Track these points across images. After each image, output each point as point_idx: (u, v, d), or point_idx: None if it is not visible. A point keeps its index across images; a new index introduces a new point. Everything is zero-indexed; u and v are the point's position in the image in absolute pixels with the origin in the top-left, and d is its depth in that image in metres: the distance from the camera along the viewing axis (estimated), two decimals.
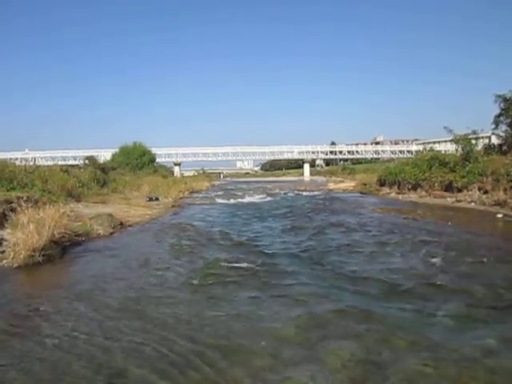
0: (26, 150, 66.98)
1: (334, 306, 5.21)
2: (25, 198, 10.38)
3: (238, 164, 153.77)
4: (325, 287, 6.00)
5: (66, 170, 22.04)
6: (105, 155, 51.19)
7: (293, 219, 14.03)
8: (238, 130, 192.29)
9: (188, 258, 7.94)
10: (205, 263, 7.43)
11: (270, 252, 8.17)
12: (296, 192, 31.45)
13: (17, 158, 39.28)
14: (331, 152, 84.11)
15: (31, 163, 22.48)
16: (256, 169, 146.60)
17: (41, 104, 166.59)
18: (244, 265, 7.20)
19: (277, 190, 34.45)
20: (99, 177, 23.88)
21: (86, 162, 30.00)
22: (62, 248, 8.54)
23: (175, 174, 63.04)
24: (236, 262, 7.40)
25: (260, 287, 6.06)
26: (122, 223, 12.31)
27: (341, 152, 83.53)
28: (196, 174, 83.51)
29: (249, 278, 6.49)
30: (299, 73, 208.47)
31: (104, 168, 27.93)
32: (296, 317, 4.88)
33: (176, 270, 7.08)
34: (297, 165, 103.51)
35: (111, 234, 11.08)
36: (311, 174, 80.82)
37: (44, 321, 4.95)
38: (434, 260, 7.48)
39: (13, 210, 9.05)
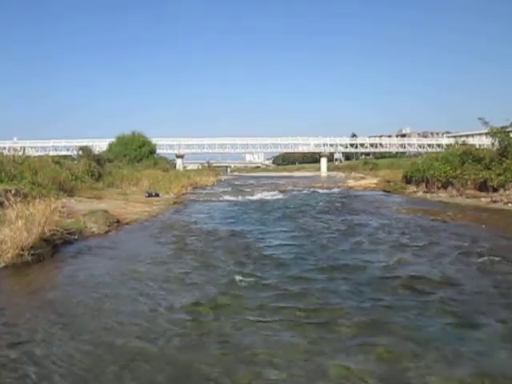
0: (15, 139, 67.84)
1: (369, 319, 5.11)
2: (13, 192, 10.52)
3: (248, 157, 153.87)
4: (351, 298, 5.95)
5: (58, 161, 22.30)
6: (100, 145, 51.61)
7: (307, 220, 14.00)
8: (249, 124, 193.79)
9: (192, 266, 7.73)
10: (212, 277, 6.92)
11: (284, 262, 7.89)
12: (311, 189, 31.36)
13: (4, 148, 39.87)
14: (351, 145, 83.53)
15: (20, 153, 22.78)
16: (267, 162, 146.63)
17: (35, 94, 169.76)
18: (262, 282, 6.64)
19: (290, 187, 34.39)
20: (94, 169, 24.07)
21: (80, 152, 30.28)
22: (53, 247, 8.62)
23: (177, 167, 63.36)
24: (251, 277, 6.86)
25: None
26: (118, 221, 12.40)
27: (362, 145, 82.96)
28: (200, 167, 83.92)
29: (276, 311, 5.42)
30: (315, 60, 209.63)
31: (99, 160, 28.15)
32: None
33: (178, 284, 6.62)
34: (313, 159, 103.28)
35: (106, 232, 11.14)
36: (329, 169, 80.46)
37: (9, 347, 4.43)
38: (466, 268, 7.38)
39: (0, 204, 9.15)
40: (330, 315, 5.21)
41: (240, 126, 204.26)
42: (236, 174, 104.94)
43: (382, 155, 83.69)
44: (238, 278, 6.83)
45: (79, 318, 5.27)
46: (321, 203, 19.77)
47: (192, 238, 10.54)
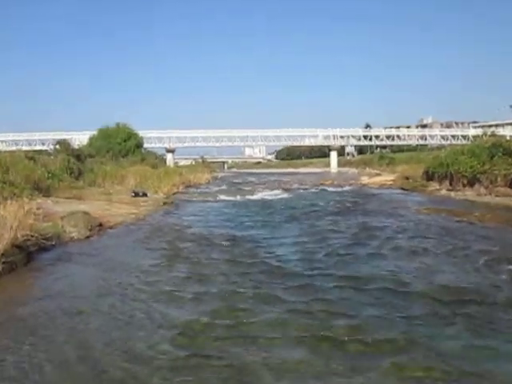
0: None
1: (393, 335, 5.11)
2: None
3: (247, 151, 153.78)
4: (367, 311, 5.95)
5: (32, 157, 22.32)
6: (80, 139, 51.69)
7: (316, 223, 14.00)
8: (248, 117, 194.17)
9: (185, 277, 7.63)
10: (209, 291, 6.83)
11: (292, 273, 7.82)
12: (320, 187, 31.36)
13: None
14: (365, 137, 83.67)
15: None
16: (269, 157, 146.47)
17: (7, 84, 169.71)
18: (268, 296, 6.50)
19: (295, 185, 34.35)
20: (73, 166, 24.10)
21: (57, 147, 30.34)
22: (27, 254, 8.61)
23: (168, 164, 63.41)
24: (254, 290, 6.66)
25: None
26: (101, 224, 12.39)
27: (377, 137, 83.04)
28: (194, 163, 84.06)
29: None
30: (321, 46, 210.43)
31: (79, 155, 28.21)
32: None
33: (169, 299, 6.48)
34: (321, 153, 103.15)
35: (88, 237, 11.14)
36: (339, 164, 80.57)
37: None
38: (496, 277, 7.36)
39: None
40: (348, 332, 5.20)
41: (238, 118, 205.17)
42: (234, 170, 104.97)
43: (400, 148, 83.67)
44: (239, 290, 6.75)
45: (52, 338, 5.15)
46: (331, 203, 19.75)
47: (185, 244, 10.53)
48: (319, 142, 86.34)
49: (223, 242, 10.63)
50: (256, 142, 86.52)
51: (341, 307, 6.03)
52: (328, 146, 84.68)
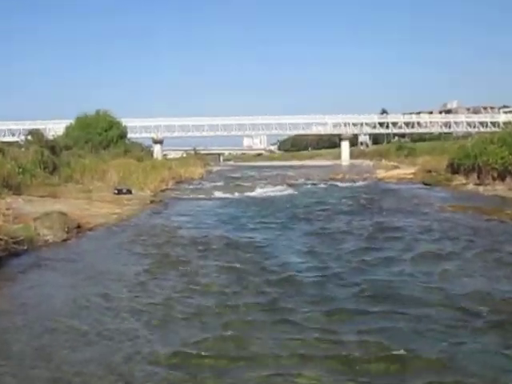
0: None
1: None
2: None
3: (246, 142, 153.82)
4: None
5: (1, 149, 22.20)
6: (55, 129, 51.51)
7: (326, 223, 13.99)
8: (248, 103, 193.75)
9: (176, 289, 7.45)
10: (206, 307, 6.62)
11: (303, 285, 7.61)
12: (329, 182, 31.33)
13: None
14: (381, 124, 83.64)
15: None
16: (271, 148, 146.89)
17: None
18: (278, 315, 6.25)
19: (301, 180, 34.34)
20: (47, 159, 23.98)
21: (29, 138, 30.19)
22: None
23: (155, 156, 63.44)
24: (260, 308, 6.55)
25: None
26: (79, 225, 12.37)
27: (395, 124, 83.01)
28: (185, 155, 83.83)
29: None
30: (331, 21, 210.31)
31: (54, 147, 28.06)
32: None
33: (158, 317, 6.27)
34: (331, 143, 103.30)
35: (65, 240, 11.12)
36: (352, 155, 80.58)
37: None
38: None
39: None
40: (372, 348, 5.17)
41: (236, 104, 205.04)
42: (231, 163, 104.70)
43: (421, 137, 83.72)
44: (242, 308, 6.49)
45: (18, 363, 4.97)
46: (342, 201, 19.72)
47: (175, 249, 10.49)
48: (328, 130, 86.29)
49: (219, 247, 10.57)
50: (256, 131, 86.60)
51: (361, 322, 5.96)
52: (338, 135, 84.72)
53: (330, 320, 6.12)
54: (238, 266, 8.86)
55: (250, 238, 11.80)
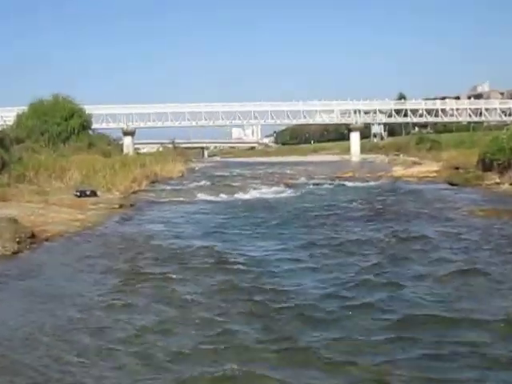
0: None
1: None
2: None
3: (235, 133, 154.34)
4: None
5: None
6: (4, 117, 51.34)
7: (332, 231, 14.01)
8: (236, 87, 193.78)
9: (152, 316, 7.34)
10: (192, 341, 6.45)
11: (313, 311, 7.47)
12: (336, 182, 31.40)
13: None
14: (398, 112, 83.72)
15: None
16: (267, 141, 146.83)
17: None
18: (289, 355, 6.09)
19: (302, 179, 34.41)
20: None
21: None
22: None
23: (126, 151, 63.23)
24: (266, 345, 6.32)
25: None
26: (33, 235, 12.30)
27: (415, 112, 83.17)
28: (161, 149, 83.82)
29: None
30: None
31: (3, 139, 27.91)
32: None
33: (132, 356, 6.09)
34: (338, 135, 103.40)
35: (15, 253, 11.06)
36: (363, 149, 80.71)
37: None
38: None
39: None
40: None
41: (224, 89, 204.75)
42: (217, 159, 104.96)
43: (447, 128, 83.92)
44: (235, 352, 6.15)
45: None
46: (353, 205, 19.75)
47: (149, 264, 10.44)
48: (335, 119, 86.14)
49: (203, 264, 10.46)
50: (247, 120, 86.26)
51: (390, 361, 5.83)
52: (347, 125, 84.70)
53: (339, 350, 6.08)
54: (227, 288, 8.72)
55: (241, 251, 11.76)
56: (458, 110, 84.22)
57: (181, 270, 10.05)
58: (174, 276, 9.55)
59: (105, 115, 74.23)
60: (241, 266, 10.24)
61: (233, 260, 10.80)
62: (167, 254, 11.30)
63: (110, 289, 8.77)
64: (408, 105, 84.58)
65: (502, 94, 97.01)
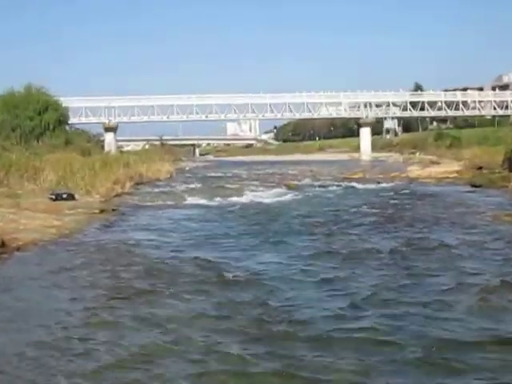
0: None
1: None
2: None
3: (231, 129, 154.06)
4: None
5: None
6: None
7: (340, 240, 14.01)
8: (233, 74, 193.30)
9: (142, 342, 7.09)
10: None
11: (326, 340, 7.09)
12: (344, 183, 31.42)
13: None
14: (414, 105, 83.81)
15: None
16: (266, 138, 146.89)
17: None
18: None
19: (307, 180, 34.53)
20: None
21: None
22: None
23: (107, 149, 63.11)
24: None
25: None
26: (3, 243, 12.33)
27: (433, 105, 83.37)
28: (148, 147, 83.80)
29: None
30: None
31: None
32: None
33: None
34: (346, 131, 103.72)
35: None
36: (375, 147, 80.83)
37: None
38: None
39: None
40: None
41: (217, 79, 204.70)
42: (211, 158, 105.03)
43: (468, 122, 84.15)
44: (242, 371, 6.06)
45: None
46: (363, 209, 19.82)
47: (133, 278, 10.36)
48: (343, 112, 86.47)
49: (194, 278, 10.36)
50: (244, 114, 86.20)
51: None
52: (356, 120, 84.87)
53: None
54: (221, 307, 8.57)
55: (238, 263, 11.66)
56: (481, 102, 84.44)
57: (169, 285, 9.91)
58: (162, 293, 9.44)
59: (84, 108, 74.42)
60: (238, 282, 10.10)
61: (228, 274, 10.60)
62: (153, 267, 11.22)
63: (87, 307, 8.68)
64: (425, 97, 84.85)
65: None
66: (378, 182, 31.75)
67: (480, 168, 31.16)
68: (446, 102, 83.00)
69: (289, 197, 25.15)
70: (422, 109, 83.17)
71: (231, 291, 9.50)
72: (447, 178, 32.37)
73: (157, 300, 9.01)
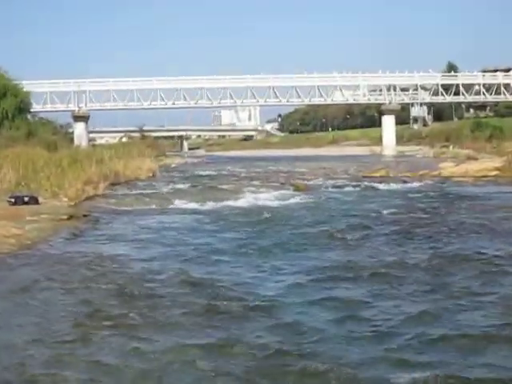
0: None
1: None
2: None
3: (226, 117, 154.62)
4: None
5: None
6: None
7: (359, 252, 14.05)
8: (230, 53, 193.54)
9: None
10: None
11: None
12: (364, 183, 31.61)
13: None
14: (446, 89, 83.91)
15: None
16: (268, 128, 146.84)
17: None
18: None
19: (318, 180, 34.72)
20: None
21: None
22: None
23: (77, 142, 63.37)
24: None
25: None
26: None
27: (469, 88, 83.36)
28: (125, 139, 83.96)
29: None
30: None
31: None
32: None
33: None
34: (365, 119, 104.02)
35: None
36: (400, 139, 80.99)
37: None
38: None
39: None
40: None
41: (211, 60, 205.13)
42: (202, 152, 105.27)
43: None
44: None
45: None
46: (386, 214, 19.88)
47: (109, 298, 10.37)
48: (362, 98, 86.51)
49: (182, 304, 10.16)
50: (242, 100, 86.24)
51: None
52: (378, 107, 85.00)
53: None
54: (219, 342, 8.18)
55: (234, 287, 11.41)
56: None
57: (151, 309, 9.80)
58: (142, 320, 9.24)
59: (49, 93, 74.44)
60: (234, 312, 9.71)
61: (221, 302, 10.21)
62: (132, 286, 11.15)
63: (51, 335, 8.59)
64: (460, 79, 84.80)
65: None
66: (405, 182, 31.92)
67: None
68: (484, 86, 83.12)
69: (296, 200, 25.22)
70: (457, 93, 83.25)
71: (224, 326, 8.95)
72: (487, 176, 32.54)
73: (133, 328, 8.78)
